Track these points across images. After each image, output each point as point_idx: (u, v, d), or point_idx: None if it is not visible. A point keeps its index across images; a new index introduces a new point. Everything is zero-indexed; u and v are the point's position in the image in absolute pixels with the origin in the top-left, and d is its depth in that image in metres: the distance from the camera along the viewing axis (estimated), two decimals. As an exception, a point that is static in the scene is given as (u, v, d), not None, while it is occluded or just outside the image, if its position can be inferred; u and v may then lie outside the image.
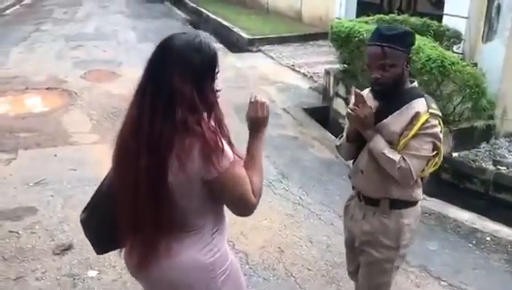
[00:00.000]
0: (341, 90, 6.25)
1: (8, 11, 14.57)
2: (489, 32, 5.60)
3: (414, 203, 2.27)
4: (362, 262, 2.39)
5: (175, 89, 1.56)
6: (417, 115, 2.08)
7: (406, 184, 2.16)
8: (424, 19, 6.00)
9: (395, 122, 2.13)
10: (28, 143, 5.37)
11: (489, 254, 3.64)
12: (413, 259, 3.39)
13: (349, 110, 2.17)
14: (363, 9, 8.06)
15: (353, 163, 2.37)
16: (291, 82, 7.82)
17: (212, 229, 1.74)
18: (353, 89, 2.37)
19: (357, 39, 5.50)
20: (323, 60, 8.47)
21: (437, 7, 7.10)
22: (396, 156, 2.09)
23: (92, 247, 1.90)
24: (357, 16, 7.64)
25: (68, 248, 3.54)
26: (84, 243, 2.89)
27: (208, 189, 1.63)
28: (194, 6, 14.99)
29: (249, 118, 1.78)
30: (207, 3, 14.51)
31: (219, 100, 1.69)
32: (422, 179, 2.26)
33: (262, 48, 10.01)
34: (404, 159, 2.09)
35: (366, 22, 5.94)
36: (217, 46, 7.99)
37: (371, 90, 2.25)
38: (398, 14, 6.32)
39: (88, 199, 1.87)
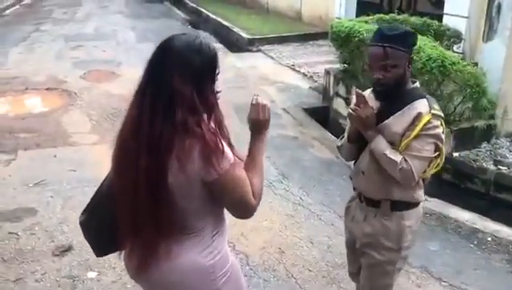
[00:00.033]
0: (341, 90, 6.24)
1: (8, 11, 14.56)
2: (490, 32, 5.59)
3: (415, 204, 2.25)
4: (364, 264, 2.38)
5: (175, 90, 1.55)
6: (419, 116, 2.07)
7: (408, 185, 2.15)
8: (424, 19, 5.99)
9: (397, 122, 2.12)
10: (28, 144, 5.36)
11: (491, 254, 3.63)
12: (414, 260, 3.37)
13: (351, 110, 2.16)
14: (363, 8, 8.05)
15: (354, 164, 2.36)
16: (291, 82, 7.81)
17: (212, 231, 1.73)
18: (354, 88, 2.35)
19: (357, 38, 5.49)
20: (323, 59, 8.44)
21: (437, 7, 7.09)
22: (398, 157, 2.08)
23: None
24: (357, 16, 7.64)
25: (67, 249, 3.53)
26: (84, 244, 2.87)
27: (208, 191, 1.63)
28: (194, 5, 14.97)
29: (250, 121, 1.77)
30: (207, 3, 14.49)
31: (219, 101, 1.68)
32: (423, 180, 2.24)
33: (262, 48, 9.99)
34: (406, 160, 2.07)
35: (366, 22, 5.93)
36: (217, 46, 7.94)
37: (373, 91, 2.24)
38: (398, 14, 6.33)
39: (87, 200, 1.86)
